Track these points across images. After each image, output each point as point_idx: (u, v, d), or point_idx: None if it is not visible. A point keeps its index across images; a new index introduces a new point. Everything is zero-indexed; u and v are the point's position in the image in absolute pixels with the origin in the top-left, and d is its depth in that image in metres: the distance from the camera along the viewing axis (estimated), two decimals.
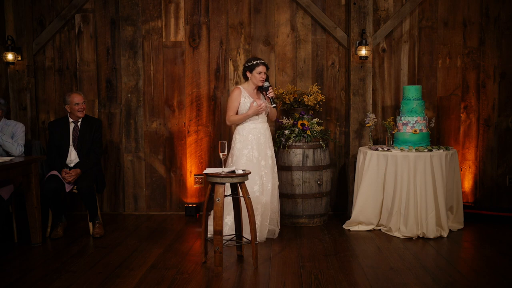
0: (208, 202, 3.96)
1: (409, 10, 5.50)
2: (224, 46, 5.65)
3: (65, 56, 5.73)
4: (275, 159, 4.88)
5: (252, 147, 4.67)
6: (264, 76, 4.71)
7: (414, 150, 4.80)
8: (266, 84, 4.70)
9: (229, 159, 4.78)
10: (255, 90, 4.78)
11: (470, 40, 5.57)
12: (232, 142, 4.80)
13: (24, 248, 4.49)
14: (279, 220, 4.83)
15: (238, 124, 4.79)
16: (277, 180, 4.82)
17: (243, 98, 4.72)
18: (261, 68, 4.69)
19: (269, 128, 4.86)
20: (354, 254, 4.24)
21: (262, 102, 4.72)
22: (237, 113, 4.76)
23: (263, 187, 4.63)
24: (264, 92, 4.75)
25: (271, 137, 4.85)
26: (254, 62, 4.72)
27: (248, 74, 4.75)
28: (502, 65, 5.57)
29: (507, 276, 3.69)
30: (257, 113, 4.70)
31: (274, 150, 5.00)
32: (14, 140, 4.67)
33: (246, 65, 4.76)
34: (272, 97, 4.69)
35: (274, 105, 4.71)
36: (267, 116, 4.86)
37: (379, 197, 4.88)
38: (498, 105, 5.59)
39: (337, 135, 5.69)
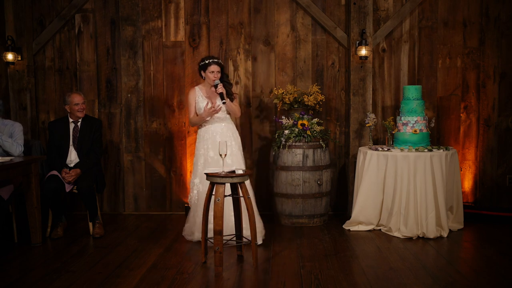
0: (208, 202, 3.96)
1: (409, 10, 5.49)
2: (224, 46, 5.64)
3: (65, 56, 5.73)
4: (240, 161, 4.65)
5: (207, 147, 4.62)
6: (216, 76, 4.60)
7: (414, 150, 4.80)
8: (216, 82, 4.58)
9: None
10: (212, 89, 4.66)
11: (470, 40, 5.57)
12: None
13: (24, 248, 4.49)
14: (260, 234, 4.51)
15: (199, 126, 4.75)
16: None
17: (198, 98, 4.68)
18: (213, 67, 4.60)
19: (230, 127, 4.72)
20: (354, 254, 4.24)
21: (218, 103, 4.60)
22: (197, 114, 4.72)
23: None
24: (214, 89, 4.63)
25: (233, 138, 4.68)
26: (207, 61, 4.63)
27: (202, 73, 4.67)
28: (502, 65, 5.56)
29: (507, 276, 3.69)
30: (210, 115, 4.60)
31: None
32: (13, 140, 4.66)
33: (200, 64, 4.68)
34: (221, 92, 4.55)
35: (224, 101, 4.57)
36: (229, 114, 4.75)
37: (379, 197, 4.88)
38: (498, 105, 5.59)
39: (337, 135, 5.69)
